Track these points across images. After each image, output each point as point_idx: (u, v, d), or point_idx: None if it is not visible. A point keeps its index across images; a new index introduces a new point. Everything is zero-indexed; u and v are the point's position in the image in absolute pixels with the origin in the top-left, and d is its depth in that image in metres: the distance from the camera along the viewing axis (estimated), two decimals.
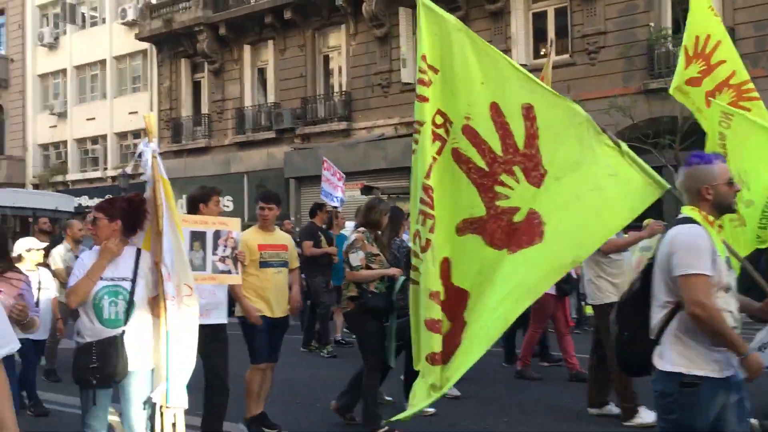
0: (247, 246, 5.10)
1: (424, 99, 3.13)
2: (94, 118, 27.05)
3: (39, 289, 6.13)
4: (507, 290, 2.90)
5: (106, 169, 26.67)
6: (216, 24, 22.24)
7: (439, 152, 3.10)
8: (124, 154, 26.39)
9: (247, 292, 5.20)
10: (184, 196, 19.26)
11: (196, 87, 24.64)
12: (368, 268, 5.30)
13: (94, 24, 27.62)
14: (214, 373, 4.86)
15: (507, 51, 17.50)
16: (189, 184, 22.88)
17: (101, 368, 3.65)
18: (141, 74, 26.19)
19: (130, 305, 3.80)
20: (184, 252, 3.87)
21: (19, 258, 6.28)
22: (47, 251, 7.37)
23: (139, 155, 3.92)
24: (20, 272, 4.19)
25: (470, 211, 3.07)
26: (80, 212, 25.58)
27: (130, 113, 25.88)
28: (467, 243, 3.07)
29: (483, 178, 3.06)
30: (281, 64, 21.93)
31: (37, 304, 6.03)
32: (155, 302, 3.83)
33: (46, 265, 6.96)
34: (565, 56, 16.48)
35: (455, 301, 3.03)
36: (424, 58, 3.14)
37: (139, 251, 3.93)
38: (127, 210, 3.91)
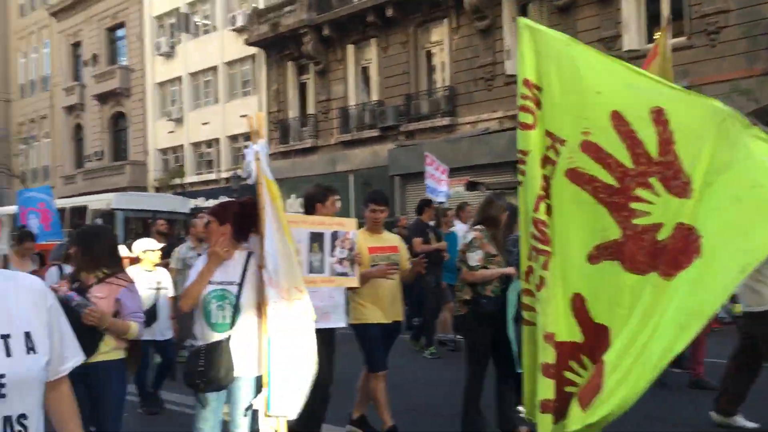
0: (357, 250, 4.94)
1: (528, 126, 2.87)
2: (208, 123, 28.20)
3: (158, 289, 6.36)
4: (669, 318, 2.53)
5: (220, 171, 27.74)
6: (320, 25, 22.62)
7: (550, 177, 2.82)
8: (236, 156, 27.38)
9: (361, 298, 5.09)
10: (293, 195, 19.85)
11: (302, 88, 25.19)
12: (485, 269, 5.02)
13: (206, 32, 28.78)
14: (317, 379, 4.83)
15: (617, 37, 16.79)
16: (297, 184, 23.55)
17: (207, 372, 3.65)
18: (250, 78, 27.06)
19: (236, 310, 3.78)
20: (292, 254, 3.78)
21: (138, 259, 6.57)
22: (166, 252, 7.57)
23: (245, 157, 3.91)
24: (125, 276, 4.21)
25: (602, 234, 2.72)
26: (195, 213, 26.85)
27: (241, 116, 26.75)
28: (603, 271, 2.71)
29: (613, 195, 2.71)
30: (384, 61, 22.02)
31: (154, 305, 6.29)
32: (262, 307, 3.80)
33: (165, 265, 7.20)
34: (681, 39, 15.53)
35: (595, 341, 2.69)
36: (526, 82, 2.89)
37: (249, 255, 3.90)
38: (239, 214, 3.90)
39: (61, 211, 19.72)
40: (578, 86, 2.81)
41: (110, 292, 3.97)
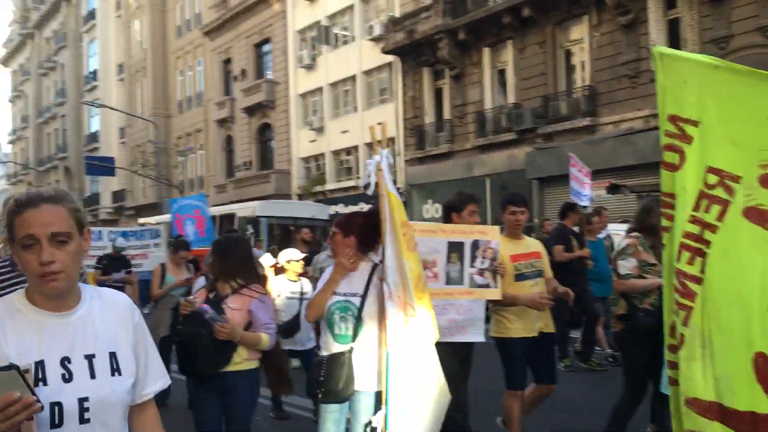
0: (500, 260, 4.64)
1: (674, 167, 2.52)
2: (347, 131, 28.96)
3: (300, 299, 6.41)
4: None
5: (359, 178, 28.35)
6: (455, 30, 22.54)
7: (720, 218, 2.45)
8: None
9: (505, 311, 4.85)
10: (429, 201, 19.84)
11: (438, 94, 25.22)
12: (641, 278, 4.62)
13: (345, 43, 29.59)
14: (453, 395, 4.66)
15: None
16: (433, 189, 23.63)
17: (327, 383, 3.65)
18: (387, 86, 27.49)
19: (358, 322, 3.74)
20: (406, 270, 3.63)
21: (282, 269, 6.74)
22: (307, 260, 7.62)
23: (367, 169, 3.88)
24: (258, 287, 4.21)
25: None
26: (333, 220, 27.60)
27: (379, 124, 27.25)
28: None
29: None
30: (521, 63, 21.58)
31: (297, 315, 6.31)
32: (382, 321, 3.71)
33: (307, 274, 7.24)
34: None
35: None
36: (672, 118, 2.52)
37: (374, 267, 3.85)
38: (363, 225, 3.88)
39: (213, 218, 21.06)
40: (745, 114, 2.42)
41: (243, 303, 4.03)
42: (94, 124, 50.78)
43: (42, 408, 1.57)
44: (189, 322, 3.93)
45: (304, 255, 7.08)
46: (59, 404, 1.66)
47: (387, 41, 25.58)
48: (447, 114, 24.56)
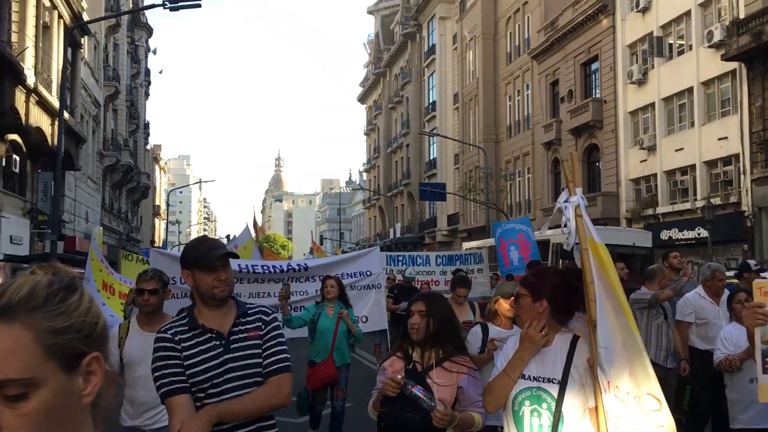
0: None
1: None
2: (682, 149, 26.40)
3: None
4: None
5: (695, 199, 25.59)
6: None
7: None
8: (714, 183, 24.94)
9: None
10: None
11: None
12: None
13: (680, 53, 27.12)
14: None
15: None
16: None
17: None
18: (729, 96, 24.39)
19: (557, 419, 2.82)
20: (640, 347, 2.78)
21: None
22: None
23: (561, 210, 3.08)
24: (465, 359, 3.46)
25: None
26: (665, 246, 25.20)
27: (719, 139, 24.37)
28: None
29: None
30: None
31: None
32: (594, 416, 2.81)
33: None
34: None
35: None
36: None
37: (575, 341, 2.95)
38: (558, 286, 2.98)
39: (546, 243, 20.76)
40: None
41: (452, 378, 3.36)
42: (433, 152, 54.37)
43: None
44: (396, 405, 3.27)
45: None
46: None
47: (729, 47, 22.71)
48: None
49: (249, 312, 3.00)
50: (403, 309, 10.34)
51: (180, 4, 19.13)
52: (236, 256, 3.05)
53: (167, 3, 19.29)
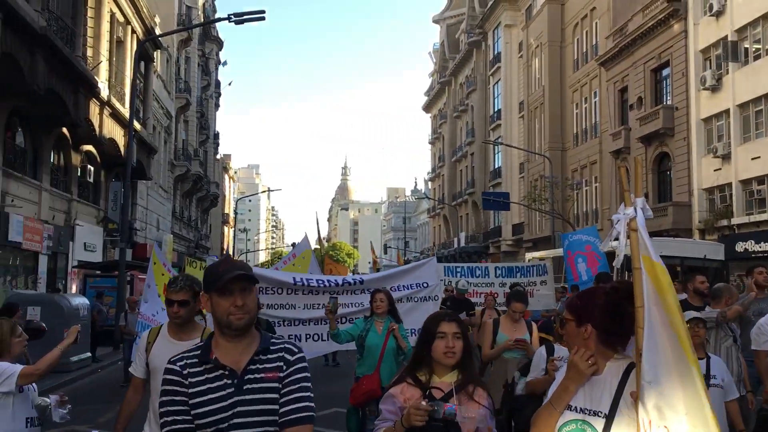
0: None
1: None
2: (758, 157, 25.26)
3: None
4: None
5: None
6: None
7: None
8: None
9: None
10: None
11: None
12: None
13: (756, 57, 26.00)
14: None
15: None
16: None
17: None
18: None
19: None
20: (697, 383, 2.40)
21: None
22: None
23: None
24: (484, 393, 3.22)
25: None
26: (740, 258, 24.09)
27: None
28: None
29: None
30: None
31: None
32: None
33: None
34: None
35: None
36: None
37: (629, 370, 2.57)
38: (605, 308, 2.62)
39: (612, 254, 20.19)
40: None
41: (475, 406, 3.17)
42: (498, 161, 53.79)
43: None
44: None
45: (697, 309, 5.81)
46: None
47: None
48: None
49: (272, 348, 2.62)
50: None
51: (245, 17, 19.53)
52: (255, 281, 2.60)
53: (232, 17, 19.74)
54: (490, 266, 14.85)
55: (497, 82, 54.07)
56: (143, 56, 30.07)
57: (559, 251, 20.29)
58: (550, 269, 14.45)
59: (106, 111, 23.93)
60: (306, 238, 13.38)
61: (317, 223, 17.68)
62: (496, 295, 13.28)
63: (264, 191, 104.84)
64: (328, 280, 9.42)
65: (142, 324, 12.01)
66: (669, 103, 31.00)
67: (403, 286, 9.66)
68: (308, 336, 9.01)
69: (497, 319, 7.40)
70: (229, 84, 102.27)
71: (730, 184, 27.05)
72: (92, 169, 26.24)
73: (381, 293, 7.20)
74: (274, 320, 8.61)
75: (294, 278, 9.08)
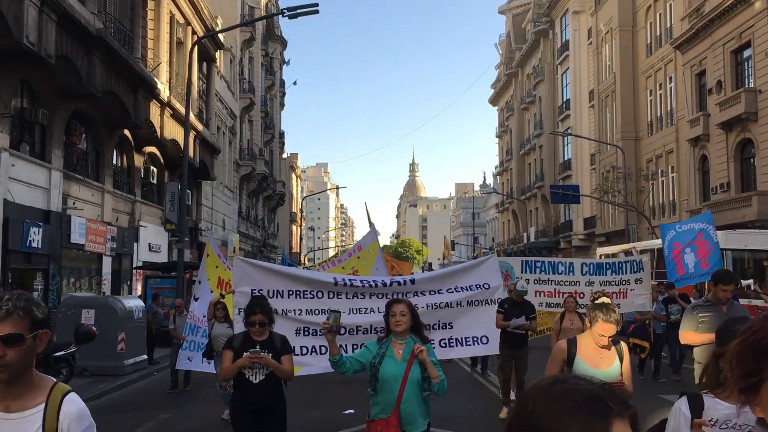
0: None
1: None
2: None
3: None
4: None
5: None
6: None
7: None
8: None
9: None
10: None
11: None
12: None
13: None
14: None
15: None
16: None
17: None
18: None
19: None
20: None
21: None
22: None
23: None
24: None
25: None
26: None
27: None
28: None
29: None
30: None
31: None
32: None
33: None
34: None
35: None
36: None
37: None
38: None
39: (653, 251, 18.75)
40: None
41: None
42: (567, 153, 52.05)
43: None
44: None
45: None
46: None
47: None
48: None
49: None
50: (514, 327, 9.22)
51: (298, 12, 19.13)
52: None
53: (286, 12, 19.37)
54: (575, 262, 13.35)
55: (566, 72, 52.29)
56: (205, 57, 30.21)
57: (655, 243, 18.40)
58: (647, 266, 12.84)
59: (167, 112, 24.03)
60: (373, 230, 12.57)
61: (368, 214, 16.96)
62: (581, 296, 12.01)
63: (330, 189, 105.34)
64: (374, 281, 8.56)
65: (190, 327, 11.66)
66: (751, 86, 28.98)
67: (462, 287, 8.74)
68: (356, 347, 8.00)
69: (574, 340, 5.20)
70: (294, 83, 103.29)
71: None
72: (155, 170, 26.47)
73: (401, 304, 5.20)
74: (312, 328, 7.90)
75: (335, 278, 8.39)
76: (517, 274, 12.98)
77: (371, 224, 22.39)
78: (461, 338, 8.51)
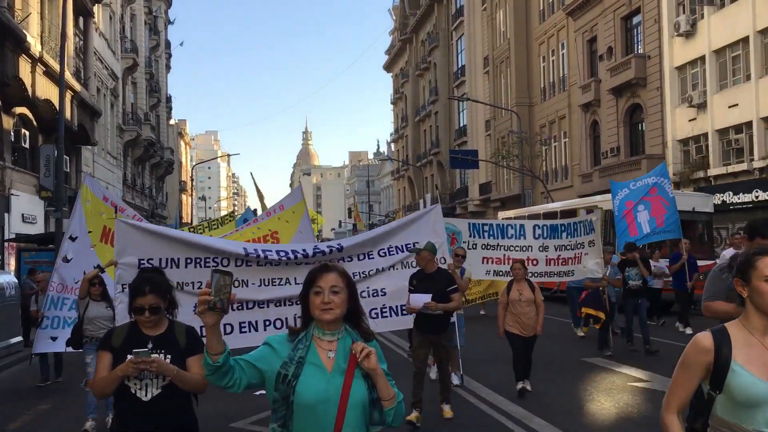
0: None
1: None
2: (736, 105, 24.26)
3: None
4: None
5: (752, 160, 23.51)
6: None
7: None
8: None
9: None
10: None
11: None
12: None
13: (734, 0, 24.80)
14: None
15: None
16: None
17: None
18: None
19: None
20: None
21: None
22: None
23: None
24: None
25: None
26: (718, 211, 23.17)
27: None
28: None
29: None
30: None
31: None
32: None
33: None
34: None
35: None
36: None
37: None
38: None
39: (574, 212, 18.94)
40: None
41: None
42: (463, 119, 52.36)
43: None
44: None
45: None
46: None
47: None
48: None
49: None
50: (416, 307, 7.19)
51: None
52: None
53: None
54: (527, 224, 11.95)
55: (460, 37, 52.36)
56: (81, 11, 27.66)
57: (604, 197, 17.45)
58: (598, 225, 11.45)
59: (39, 69, 21.71)
60: (299, 189, 10.70)
61: (255, 184, 15.81)
62: (534, 263, 11.12)
63: (220, 156, 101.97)
64: (294, 251, 7.26)
65: (52, 299, 9.47)
66: (641, 51, 29.81)
67: (398, 247, 7.57)
68: (268, 322, 7.08)
69: (723, 331, 2.56)
70: (181, 44, 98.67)
71: (705, 134, 26.09)
72: (27, 133, 24.03)
73: (331, 273, 2.68)
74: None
75: (245, 249, 7.16)
76: (465, 238, 11.66)
77: (259, 194, 21.02)
78: (396, 307, 7.37)
